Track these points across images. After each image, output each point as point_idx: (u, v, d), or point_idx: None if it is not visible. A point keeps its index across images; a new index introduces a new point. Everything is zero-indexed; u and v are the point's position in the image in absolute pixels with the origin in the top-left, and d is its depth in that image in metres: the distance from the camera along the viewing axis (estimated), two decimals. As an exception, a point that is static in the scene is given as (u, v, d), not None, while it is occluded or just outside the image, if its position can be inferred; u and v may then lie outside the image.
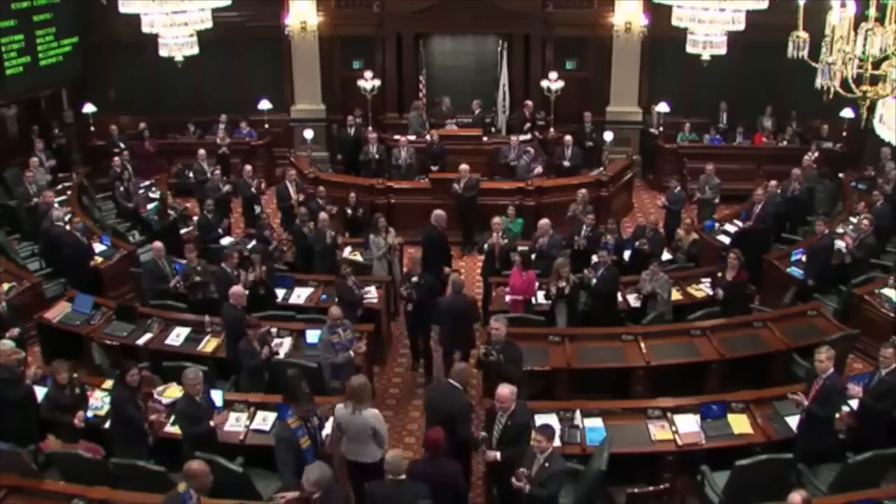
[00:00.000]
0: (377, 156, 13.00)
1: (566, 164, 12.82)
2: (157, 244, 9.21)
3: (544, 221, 9.72)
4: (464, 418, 6.24)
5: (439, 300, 8.07)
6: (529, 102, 14.24)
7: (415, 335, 8.66)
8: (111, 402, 6.56)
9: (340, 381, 7.20)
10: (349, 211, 11.09)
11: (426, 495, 5.29)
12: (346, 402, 5.99)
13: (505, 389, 5.92)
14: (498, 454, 5.89)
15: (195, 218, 11.27)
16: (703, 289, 9.10)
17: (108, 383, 7.04)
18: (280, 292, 9.07)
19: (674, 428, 6.60)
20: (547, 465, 5.46)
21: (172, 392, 6.97)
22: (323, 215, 9.88)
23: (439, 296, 8.21)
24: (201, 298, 8.81)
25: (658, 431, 6.57)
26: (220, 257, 9.01)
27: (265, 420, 6.74)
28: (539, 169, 12.62)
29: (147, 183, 12.82)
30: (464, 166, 11.62)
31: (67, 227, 9.74)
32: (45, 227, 10.15)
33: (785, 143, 13.82)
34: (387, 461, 5.37)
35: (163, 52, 10.33)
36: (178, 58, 10.31)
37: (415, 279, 8.31)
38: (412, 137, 13.23)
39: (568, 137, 13.07)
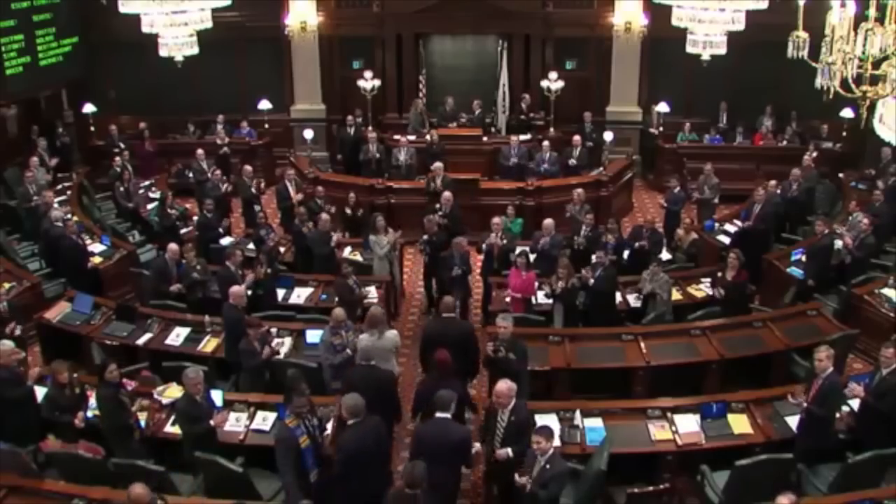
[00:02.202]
0: (377, 156, 12.98)
1: (572, 162, 12.82)
2: (174, 246, 9.08)
3: (548, 221, 9.73)
4: (470, 340, 7.18)
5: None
6: (526, 95, 14.30)
7: (429, 280, 9.96)
8: (96, 401, 6.57)
9: (341, 381, 7.20)
10: (349, 211, 11.07)
11: (393, 378, 6.50)
12: (369, 330, 7.00)
13: (503, 385, 5.90)
14: (509, 450, 5.86)
15: (195, 218, 11.26)
16: (703, 289, 9.10)
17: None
18: (280, 292, 9.06)
19: (674, 428, 6.60)
20: (548, 466, 5.45)
21: (172, 392, 6.96)
22: (325, 216, 9.88)
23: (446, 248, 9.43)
24: (201, 297, 8.81)
25: (658, 431, 6.57)
26: (222, 257, 9.00)
27: (265, 420, 6.74)
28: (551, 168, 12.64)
29: (147, 183, 12.83)
30: (437, 164, 11.52)
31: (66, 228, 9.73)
32: (44, 227, 10.15)
33: (785, 143, 13.81)
34: (359, 349, 6.59)
35: (163, 52, 10.31)
36: (178, 58, 10.29)
37: (426, 237, 9.59)
38: (412, 137, 13.23)
39: (577, 138, 13.08)
